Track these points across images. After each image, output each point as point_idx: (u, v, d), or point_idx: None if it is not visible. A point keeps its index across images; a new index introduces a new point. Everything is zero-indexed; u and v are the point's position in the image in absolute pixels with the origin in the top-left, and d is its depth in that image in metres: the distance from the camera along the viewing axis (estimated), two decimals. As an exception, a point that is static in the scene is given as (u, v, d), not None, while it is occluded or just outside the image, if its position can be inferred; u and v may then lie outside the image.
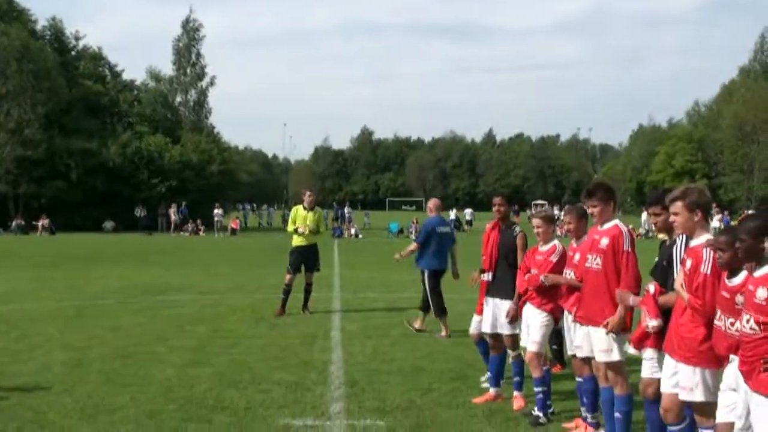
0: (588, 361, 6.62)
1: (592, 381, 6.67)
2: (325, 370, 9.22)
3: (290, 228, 14.00)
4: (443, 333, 11.62)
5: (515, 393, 7.81)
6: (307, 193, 14.23)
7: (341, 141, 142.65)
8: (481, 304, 8.37)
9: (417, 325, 12.06)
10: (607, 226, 6.47)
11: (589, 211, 6.62)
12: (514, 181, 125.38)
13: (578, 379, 6.91)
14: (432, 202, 12.82)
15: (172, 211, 48.66)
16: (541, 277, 7.16)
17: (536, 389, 7.29)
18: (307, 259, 13.90)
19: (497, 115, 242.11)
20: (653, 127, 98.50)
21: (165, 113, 58.62)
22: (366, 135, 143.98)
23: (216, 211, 47.93)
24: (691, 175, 73.13)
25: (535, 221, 7.52)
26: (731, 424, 4.68)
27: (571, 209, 7.20)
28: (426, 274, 11.98)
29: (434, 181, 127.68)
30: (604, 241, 6.35)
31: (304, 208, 14.04)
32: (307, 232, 13.73)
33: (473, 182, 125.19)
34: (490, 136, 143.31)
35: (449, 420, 7.24)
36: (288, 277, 13.74)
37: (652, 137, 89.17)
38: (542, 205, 67.94)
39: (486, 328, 8.10)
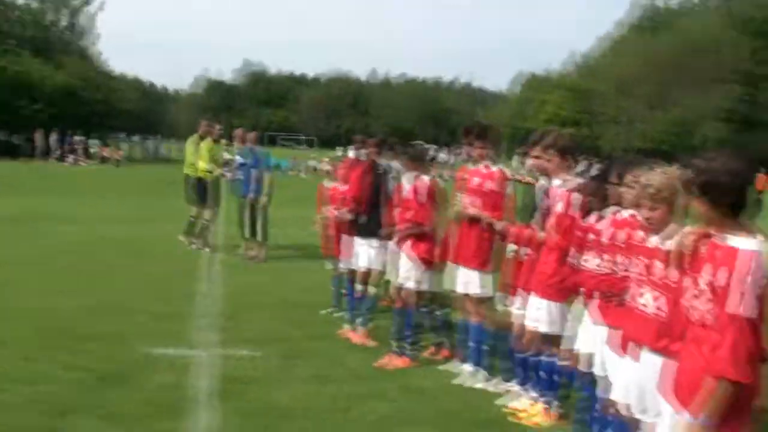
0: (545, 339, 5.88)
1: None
2: (202, 302, 9.35)
3: (204, 165, 13.52)
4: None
5: (360, 328, 8.05)
6: (218, 127, 14.20)
7: (230, 74, 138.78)
8: (338, 244, 8.59)
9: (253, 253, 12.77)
10: (489, 169, 6.67)
11: (476, 152, 6.76)
12: (402, 121, 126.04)
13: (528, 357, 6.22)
14: (240, 132, 13.45)
15: (52, 139, 46.60)
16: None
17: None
18: (206, 192, 13.71)
19: (386, 56, 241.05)
20: (534, 74, 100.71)
21: (46, 36, 55.57)
22: (257, 69, 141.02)
23: (94, 141, 46.26)
24: (573, 124, 75.56)
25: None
26: (590, 355, 5.09)
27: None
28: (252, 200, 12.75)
29: (323, 118, 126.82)
30: (485, 183, 6.61)
31: (215, 141, 13.90)
32: (228, 176, 13.83)
33: (365, 123, 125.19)
34: (377, 75, 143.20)
35: (320, 350, 7.54)
36: (202, 211, 13.67)
37: (535, 84, 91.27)
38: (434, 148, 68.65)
39: (357, 266, 8.19)
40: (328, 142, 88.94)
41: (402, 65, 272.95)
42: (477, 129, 6.95)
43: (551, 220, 5.73)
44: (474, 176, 6.75)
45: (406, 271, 7.19)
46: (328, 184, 9.72)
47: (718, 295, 3.16)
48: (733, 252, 3.18)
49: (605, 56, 78.92)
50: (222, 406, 5.82)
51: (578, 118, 77.24)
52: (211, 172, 13.49)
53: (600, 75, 77.58)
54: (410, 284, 7.20)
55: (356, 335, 8.02)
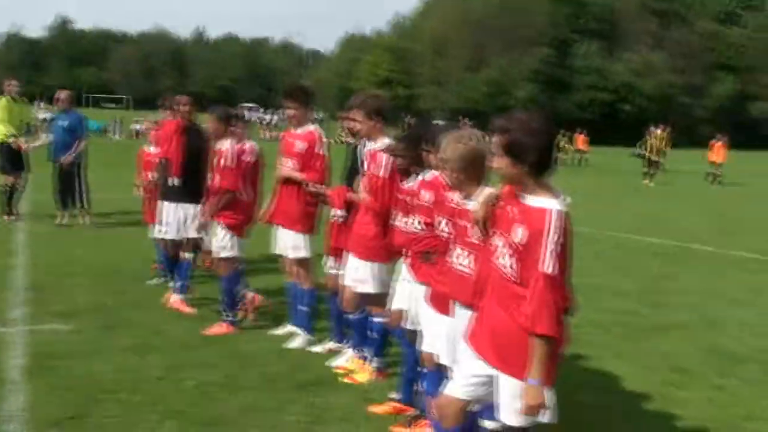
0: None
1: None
2: (6, 276, 8.75)
3: (3, 128, 12.42)
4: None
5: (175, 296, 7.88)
6: (14, 82, 13.04)
7: (35, 29, 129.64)
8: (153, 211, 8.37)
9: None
10: (303, 130, 6.65)
11: (287, 112, 6.73)
12: (224, 82, 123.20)
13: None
14: (61, 94, 12.67)
15: None
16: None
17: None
18: (15, 157, 12.67)
19: (207, 14, 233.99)
20: (359, 35, 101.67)
21: None
22: (63, 24, 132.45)
23: None
24: (391, 84, 76.93)
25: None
26: (404, 311, 5.23)
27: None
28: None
29: (140, 78, 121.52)
30: (300, 145, 6.57)
31: (13, 99, 12.81)
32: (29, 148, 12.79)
33: (182, 81, 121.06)
34: (198, 34, 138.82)
35: (141, 320, 7.28)
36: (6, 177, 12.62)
37: (358, 45, 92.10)
38: (256, 108, 67.68)
39: (172, 234, 8.00)
40: (146, 103, 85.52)
41: (229, 25, 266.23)
42: (287, 89, 6.86)
43: (363, 182, 5.80)
44: (289, 138, 6.71)
45: (220, 240, 7.05)
46: (148, 148, 9.35)
47: (523, 253, 3.30)
48: (535, 211, 3.30)
49: (424, 17, 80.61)
50: (32, 383, 5.49)
51: (396, 78, 78.71)
52: (16, 136, 12.56)
53: (417, 36, 79.27)
54: (225, 253, 7.07)
55: (176, 302, 7.80)
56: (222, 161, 7.03)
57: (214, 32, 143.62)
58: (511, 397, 3.42)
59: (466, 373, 3.62)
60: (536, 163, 3.35)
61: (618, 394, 5.94)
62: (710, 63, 78.67)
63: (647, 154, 28.57)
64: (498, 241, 3.46)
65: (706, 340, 7.51)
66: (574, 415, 5.30)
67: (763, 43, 78.37)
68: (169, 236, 8.05)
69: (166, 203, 8.02)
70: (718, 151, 29.76)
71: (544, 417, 3.43)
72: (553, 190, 3.40)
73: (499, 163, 3.44)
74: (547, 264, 3.22)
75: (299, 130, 6.66)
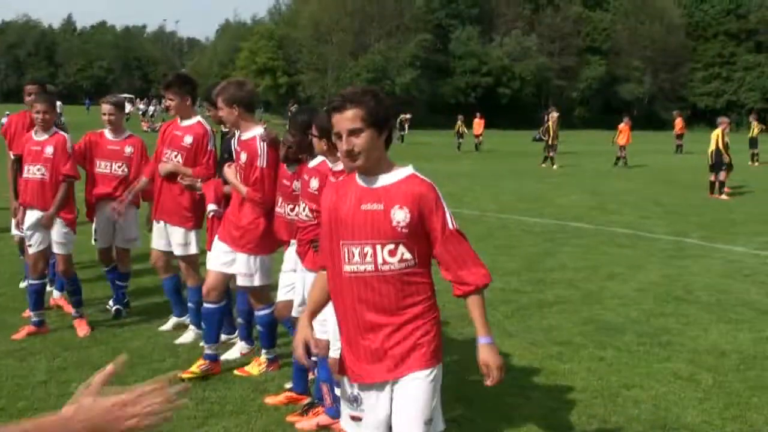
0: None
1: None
2: None
3: None
4: None
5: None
6: None
7: None
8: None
9: None
10: (189, 122, 6.46)
11: (166, 103, 6.51)
12: (97, 72, 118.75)
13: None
14: None
15: None
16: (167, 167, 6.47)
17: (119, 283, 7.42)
18: None
19: (77, 1, 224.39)
20: (239, 23, 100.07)
21: None
22: None
23: None
24: (272, 72, 76.11)
25: (106, 107, 7.09)
26: (291, 302, 5.21)
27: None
28: None
29: (7, 70, 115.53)
30: (188, 139, 6.36)
31: None
32: None
33: (52, 72, 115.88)
34: (69, 23, 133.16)
35: (16, 323, 6.98)
36: None
37: (237, 33, 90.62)
38: (129, 99, 65.51)
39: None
40: (12, 95, 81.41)
41: (101, 14, 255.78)
42: (166, 80, 6.57)
43: (240, 173, 5.62)
44: (176, 130, 6.49)
45: (185, 239, 6.63)
46: None
47: (414, 232, 3.15)
48: (409, 184, 3.17)
49: (303, 4, 79.98)
50: None
51: (277, 66, 77.90)
52: None
53: (297, 23, 78.65)
54: (191, 251, 6.66)
55: (58, 300, 7.53)
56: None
57: (85, 20, 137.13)
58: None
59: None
60: (389, 136, 3.25)
61: (507, 371, 6.12)
62: (580, 46, 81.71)
63: (546, 138, 28.57)
64: (356, 249, 3.14)
65: (585, 314, 7.85)
66: (468, 392, 5.46)
67: (627, 26, 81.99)
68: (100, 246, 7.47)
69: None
70: (624, 134, 29.47)
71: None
72: (398, 164, 3.29)
73: (361, 138, 3.12)
74: (450, 221, 3.19)
75: (185, 123, 6.46)
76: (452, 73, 76.81)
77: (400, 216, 3.10)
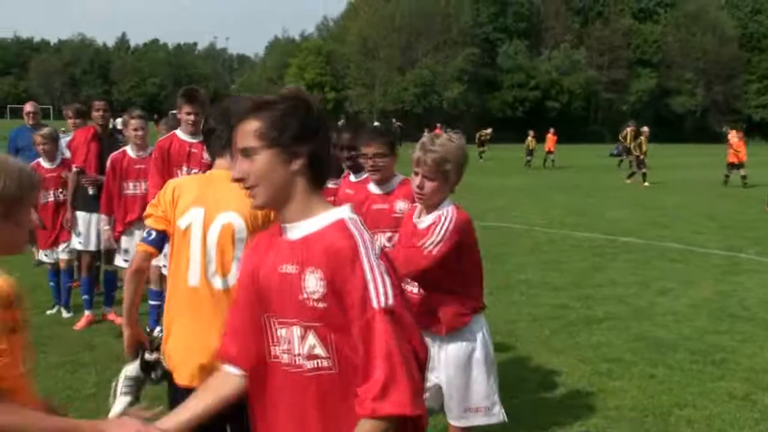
0: None
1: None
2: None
3: None
4: None
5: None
6: None
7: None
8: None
9: None
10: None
11: (189, 118, 6.07)
12: (150, 89, 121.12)
13: None
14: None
15: None
16: None
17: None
18: None
19: (130, 20, 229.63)
20: (287, 39, 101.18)
21: None
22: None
23: None
24: (320, 87, 76.75)
25: (137, 122, 6.94)
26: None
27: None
28: None
29: (63, 87, 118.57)
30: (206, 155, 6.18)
31: None
32: None
33: (106, 89, 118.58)
34: (123, 41, 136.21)
35: (68, 336, 7.09)
36: None
37: (286, 49, 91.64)
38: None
39: (92, 245, 7.55)
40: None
41: (153, 31, 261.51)
42: (189, 93, 6.12)
43: None
44: (191, 147, 6.13)
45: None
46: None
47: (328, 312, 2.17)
48: (329, 236, 2.18)
49: (351, 20, 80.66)
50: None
51: (323, 80, 78.56)
52: None
53: (345, 38, 79.29)
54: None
55: (110, 315, 7.67)
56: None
57: (138, 38, 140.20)
58: None
59: None
60: (318, 166, 2.21)
61: (554, 387, 6.03)
62: (630, 59, 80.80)
63: (636, 153, 28.02)
64: (280, 329, 2.18)
65: (636, 330, 7.69)
66: (514, 411, 5.37)
67: (678, 38, 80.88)
68: (91, 248, 7.57)
69: (82, 213, 7.54)
70: (550, 141, 34.29)
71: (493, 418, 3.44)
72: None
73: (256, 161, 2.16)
74: (378, 297, 2.04)
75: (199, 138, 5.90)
76: (500, 87, 76.57)
77: (311, 284, 2.09)
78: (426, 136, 3.61)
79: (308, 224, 2.15)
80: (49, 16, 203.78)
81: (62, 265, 7.77)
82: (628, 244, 13.13)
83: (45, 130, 7.79)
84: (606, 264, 11.29)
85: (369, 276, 2.02)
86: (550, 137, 35.80)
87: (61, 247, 7.71)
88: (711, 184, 25.62)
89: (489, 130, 42.19)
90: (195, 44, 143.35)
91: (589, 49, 79.58)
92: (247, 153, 2.12)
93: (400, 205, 4.39)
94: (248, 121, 2.13)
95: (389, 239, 4.34)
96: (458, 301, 3.62)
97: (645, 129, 28.65)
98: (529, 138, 36.03)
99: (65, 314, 7.81)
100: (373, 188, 4.55)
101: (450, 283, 3.60)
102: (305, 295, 2.08)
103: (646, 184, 26.18)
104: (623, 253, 12.27)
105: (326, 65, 79.53)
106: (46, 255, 7.81)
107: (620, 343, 7.22)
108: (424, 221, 3.59)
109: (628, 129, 31.72)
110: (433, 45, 74.90)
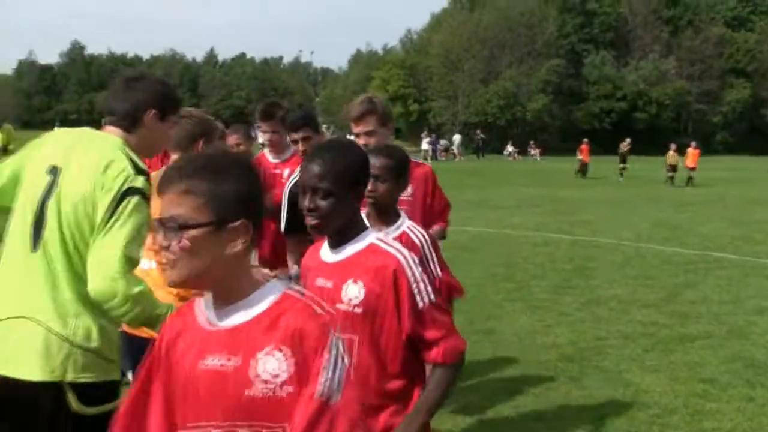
0: None
1: None
2: None
3: None
4: None
5: None
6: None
7: (49, 55, 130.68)
8: None
9: None
10: (286, 156, 5.59)
11: (268, 137, 5.55)
12: (237, 102, 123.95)
13: None
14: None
15: None
16: None
17: None
18: None
19: (218, 35, 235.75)
20: (370, 52, 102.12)
21: None
22: (77, 49, 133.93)
23: None
24: (403, 100, 77.10)
25: (235, 138, 6.01)
26: None
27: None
28: None
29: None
30: (286, 173, 5.44)
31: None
32: None
33: (195, 103, 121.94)
34: (212, 56, 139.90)
35: None
36: None
37: (369, 62, 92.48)
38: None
39: None
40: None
41: (240, 45, 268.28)
42: (267, 109, 5.61)
43: None
44: (273, 168, 5.55)
45: None
46: None
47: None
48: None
49: (434, 32, 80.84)
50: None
51: (408, 93, 78.89)
52: None
53: (428, 51, 79.50)
54: None
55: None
56: None
57: (226, 53, 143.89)
58: None
59: None
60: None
61: (647, 407, 5.87)
62: (722, 69, 78.37)
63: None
64: None
65: (732, 350, 7.42)
66: (606, 431, 5.26)
67: (774, 47, 78.09)
68: None
69: None
70: (692, 156, 31.34)
71: None
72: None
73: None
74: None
75: (280, 157, 5.57)
76: (585, 99, 75.37)
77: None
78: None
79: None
80: (142, 32, 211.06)
81: None
82: (721, 260, 12.70)
83: None
84: (698, 280, 10.94)
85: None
86: (692, 152, 31.48)
87: None
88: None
89: (627, 141, 35.74)
90: (281, 58, 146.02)
91: (678, 59, 77.54)
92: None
93: None
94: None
95: None
96: None
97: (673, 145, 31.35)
98: (671, 152, 31.61)
99: None
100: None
101: None
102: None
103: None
104: (716, 269, 11.87)
105: (409, 77, 79.83)
106: None
107: (716, 363, 6.98)
108: None
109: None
110: (517, 56, 74.34)
